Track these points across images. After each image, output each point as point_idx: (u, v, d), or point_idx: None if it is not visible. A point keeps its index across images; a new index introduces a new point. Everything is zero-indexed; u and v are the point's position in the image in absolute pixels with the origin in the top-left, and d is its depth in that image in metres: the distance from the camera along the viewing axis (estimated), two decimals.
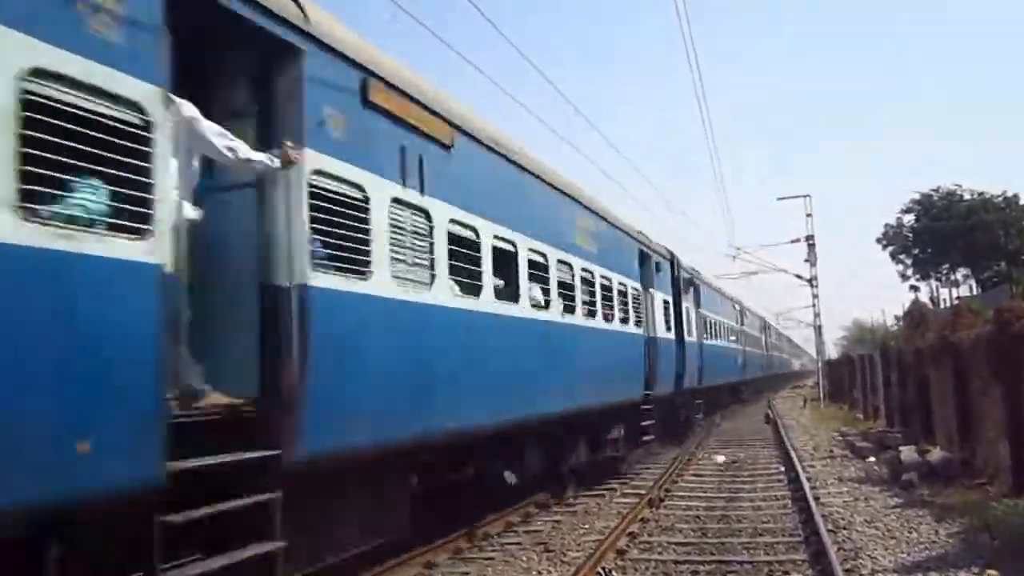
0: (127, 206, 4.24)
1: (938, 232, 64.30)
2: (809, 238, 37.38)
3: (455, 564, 8.65)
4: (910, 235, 69.51)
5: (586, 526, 10.39)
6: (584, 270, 12.22)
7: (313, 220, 5.65)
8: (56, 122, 3.86)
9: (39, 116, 3.78)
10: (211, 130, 5.08)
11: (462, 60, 10.31)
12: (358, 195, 6.27)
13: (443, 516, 9.32)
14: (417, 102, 7.29)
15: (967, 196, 65.45)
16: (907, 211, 69.47)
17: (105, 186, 4.13)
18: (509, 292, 9.24)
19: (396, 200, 6.78)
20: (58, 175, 3.89)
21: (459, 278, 7.90)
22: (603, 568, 8.14)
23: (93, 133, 4.04)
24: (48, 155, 3.82)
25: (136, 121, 4.32)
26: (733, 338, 31.86)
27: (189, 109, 4.94)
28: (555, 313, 10.66)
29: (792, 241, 38.14)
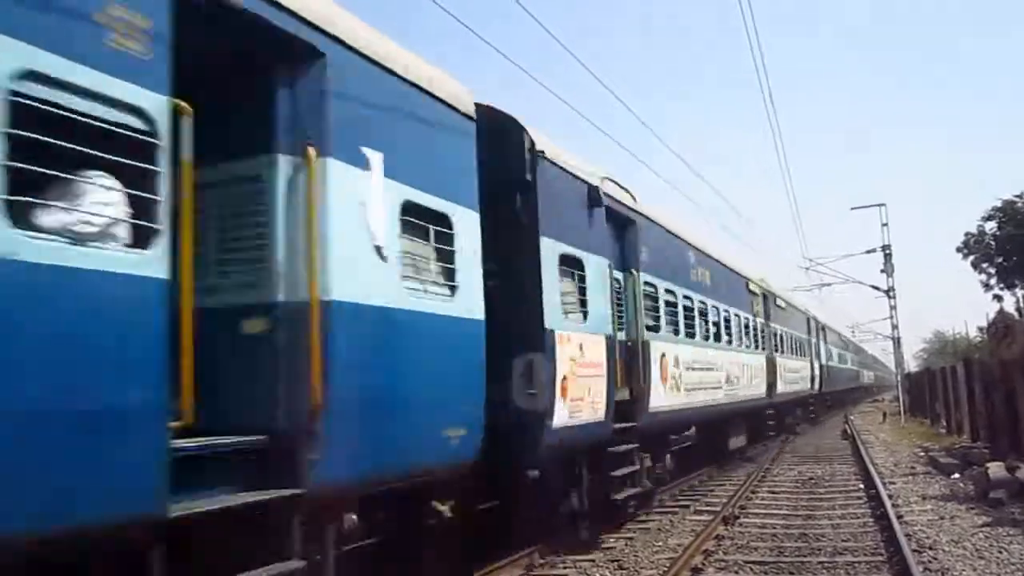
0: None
1: (1023, 239, 61.68)
2: (885, 248, 36.42)
3: None
4: (993, 243, 66.82)
5: (659, 543, 10.25)
6: (797, 336, 28.16)
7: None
8: None
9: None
10: None
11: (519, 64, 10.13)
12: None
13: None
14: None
15: None
16: (988, 218, 66.89)
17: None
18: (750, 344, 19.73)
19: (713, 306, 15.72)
20: None
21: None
22: None
23: None
24: None
25: None
26: (842, 360, 48.67)
27: None
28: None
29: (867, 251, 37.23)
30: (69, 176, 3.71)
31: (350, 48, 5.57)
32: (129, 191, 3.94)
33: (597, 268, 9.53)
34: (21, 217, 3.46)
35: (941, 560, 8.65)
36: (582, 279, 9.11)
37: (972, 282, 58.85)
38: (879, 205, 36.78)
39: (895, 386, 46.64)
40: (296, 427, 4.91)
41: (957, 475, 14.98)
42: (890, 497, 12.58)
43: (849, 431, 27.45)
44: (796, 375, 26.98)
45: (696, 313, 14.22)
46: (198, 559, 4.34)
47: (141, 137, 3.96)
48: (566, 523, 9.52)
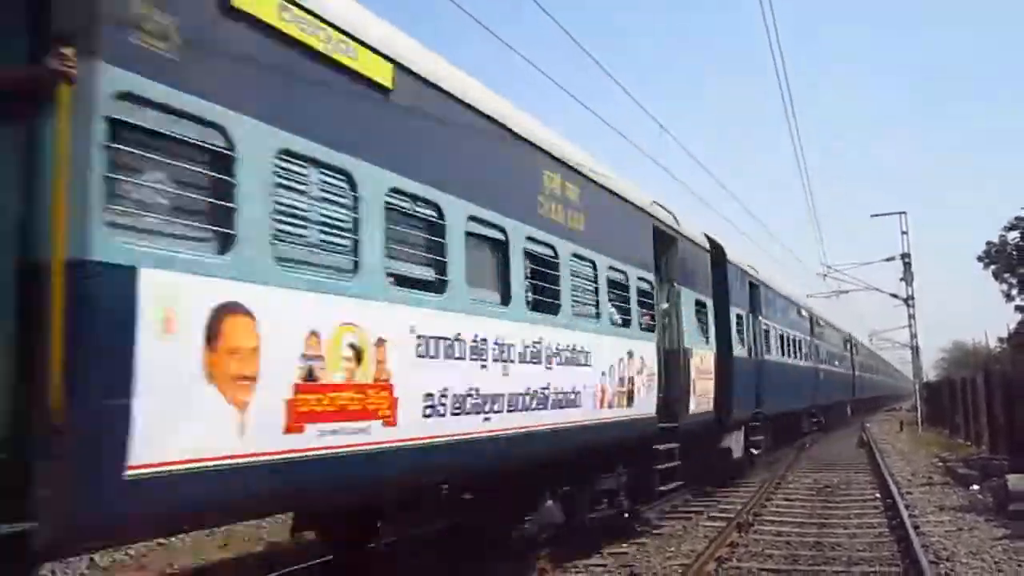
0: None
1: None
2: (905, 256, 36.13)
3: None
4: (1015, 253, 65.98)
5: (672, 549, 10.17)
6: (839, 353, 36.06)
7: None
8: None
9: None
10: None
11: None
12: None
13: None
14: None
15: None
16: (1011, 228, 66.11)
17: None
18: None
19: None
20: None
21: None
22: None
23: None
24: None
25: None
26: (871, 371, 56.63)
27: None
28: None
29: (887, 259, 36.95)
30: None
31: (684, 236, 12.63)
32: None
33: (744, 316, 16.61)
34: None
35: (958, 572, 8.56)
36: (740, 323, 16.10)
37: (994, 292, 57.96)
38: (900, 213, 36.53)
39: (911, 394, 46.67)
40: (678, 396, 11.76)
41: (976, 486, 14.80)
42: (907, 507, 12.45)
43: (865, 439, 27.21)
44: (841, 383, 36.08)
45: (787, 339, 22.00)
46: None
47: (651, 290, 10.79)
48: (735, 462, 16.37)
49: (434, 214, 6.08)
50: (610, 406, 9.01)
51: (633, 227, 10.55)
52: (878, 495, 14.55)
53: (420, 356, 5.71)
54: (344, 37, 5.25)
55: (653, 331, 10.77)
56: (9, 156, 3.69)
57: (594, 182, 9.15)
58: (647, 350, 10.32)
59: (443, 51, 6.65)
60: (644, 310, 10.43)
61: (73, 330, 3.50)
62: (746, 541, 10.59)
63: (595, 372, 8.62)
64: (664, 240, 11.66)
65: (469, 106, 6.72)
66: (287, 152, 4.75)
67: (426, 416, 5.76)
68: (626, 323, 9.75)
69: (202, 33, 4.26)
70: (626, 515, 10.59)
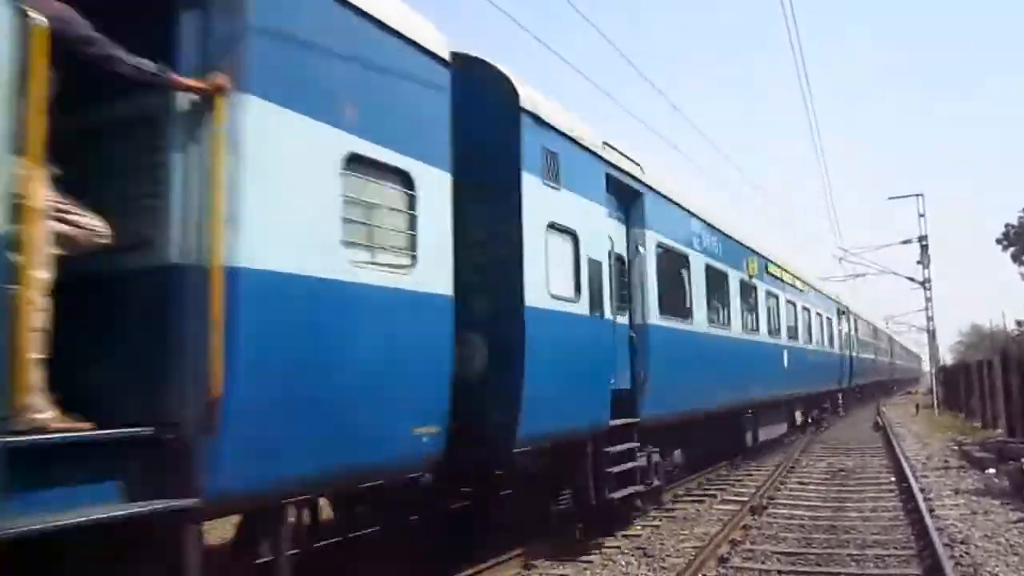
0: None
1: None
2: (922, 239, 35.83)
3: (554, 566, 8.64)
4: None
5: (685, 532, 10.20)
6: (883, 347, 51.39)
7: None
8: None
9: None
10: None
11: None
12: None
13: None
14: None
15: None
16: None
17: None
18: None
19: None
20: None
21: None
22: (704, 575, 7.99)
23: None
24: None
25: None
26: (901, 358, 70.59)
27: None
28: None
29: (903, 242, 36.66)
30: None
31: (891, 334, 53.04)
32: None
33: (834, 322, 25.61)
34: None
35: (973, 555, 8.52)
36: (832, 326, 26.13)
37: (1013, 274, 57.52)
38: (916, 195, 36.23)
39: (925, 376, 47.28)
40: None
41: (992, 470, 14.73)
42: (922, 490, 12.39)
43: (881, 423, 27.14)
44: (885, 368, 47.95)
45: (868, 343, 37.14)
46: None
47: None
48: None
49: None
50: None
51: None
52: (893, 478, 14.52)
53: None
54: None
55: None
56: None
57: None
58: None
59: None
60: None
61: None
62: (760, 524, 10.60)
63: None
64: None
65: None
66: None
67: None
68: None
69: None
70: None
